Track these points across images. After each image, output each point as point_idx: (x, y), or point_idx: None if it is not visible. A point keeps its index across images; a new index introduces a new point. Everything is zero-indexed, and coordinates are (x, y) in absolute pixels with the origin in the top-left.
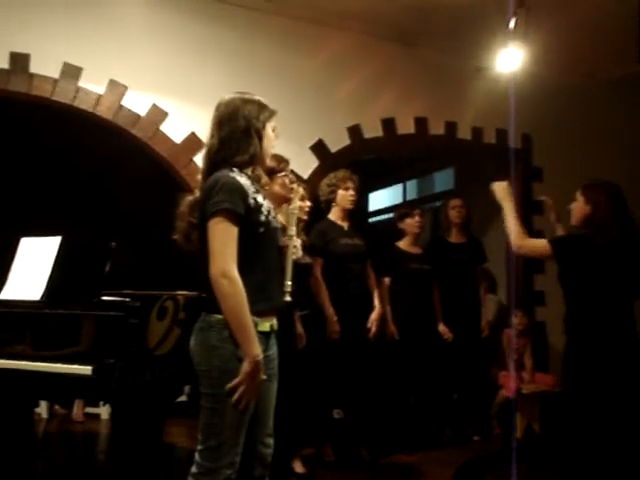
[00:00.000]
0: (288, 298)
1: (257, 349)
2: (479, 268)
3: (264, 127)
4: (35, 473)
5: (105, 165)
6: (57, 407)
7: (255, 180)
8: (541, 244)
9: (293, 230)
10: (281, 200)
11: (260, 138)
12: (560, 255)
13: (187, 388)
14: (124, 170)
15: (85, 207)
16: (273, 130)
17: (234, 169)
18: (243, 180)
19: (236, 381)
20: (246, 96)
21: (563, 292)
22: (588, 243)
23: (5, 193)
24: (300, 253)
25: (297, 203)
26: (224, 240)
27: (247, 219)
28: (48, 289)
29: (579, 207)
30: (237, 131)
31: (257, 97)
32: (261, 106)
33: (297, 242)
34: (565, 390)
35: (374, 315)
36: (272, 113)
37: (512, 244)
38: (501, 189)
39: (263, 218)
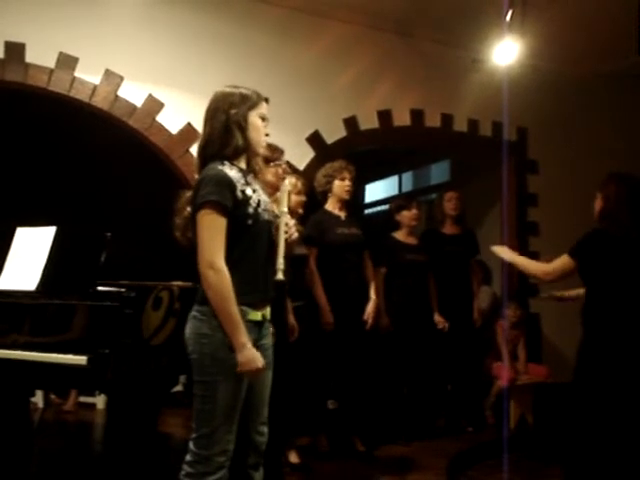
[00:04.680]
0: (280, 276)
1: (244, 338)
2: (473, 260)
3: (246, 118)
4: (31, 462)
5: (102, 155)
6: (53, 396)
7: (249, 172)
8: (564, 261)
9: (284, 208)
10: (274, 189)
11: (242, 129)
12: (582, 260)
13: (183, 378)
14: (120, 160)
15: (81, 197)
16: (263, 119)
17: (225, 162)
18: (232, 173)
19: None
20: (227, 89)
21: (584, 285)
22: (602, 236)
23: (1, 183)
24: (294, 231)
25: (287, 182)
26: (211, 232)
27: (235, 211)
28: (43, 279)
29: (596, 204)
30: (218, 126)
31: (241, 89)
32: (243, 97)
33: (290, 221)
34: (578, 382)
35: (370, 307)
36: (256, 102)
37: (540, 279)
38: (503, 251)
39: (251, 210)
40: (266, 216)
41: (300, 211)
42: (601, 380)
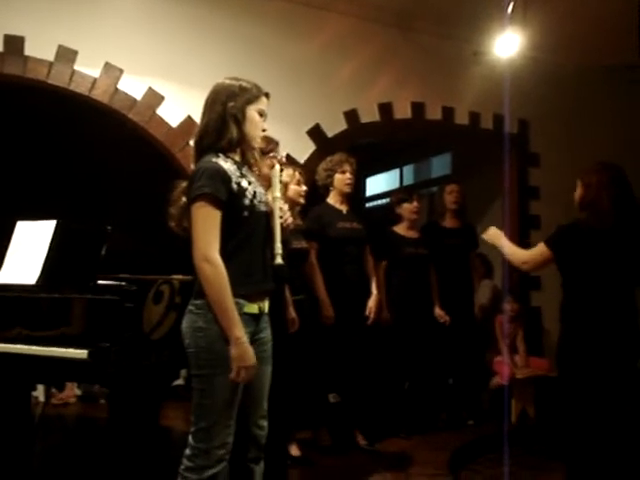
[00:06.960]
0: (279, 260)
1: (239, 332)
2: (475, 254)
3: (243, 111)
4: (33, 456)
5: (102, 148)
6: (54, 390)
7: (244, 164)
8: (539, 251)
9: (277, 193)
10: (270, 181)
11: (238, 123)
12: (558, 252)
13: (183, 372)
14: (120, 154)
15: (81, 191)
16: (261, 114)
17: (219, 154)
18: (227, 165)
19: (232, 375)
20: (227, 81)
21: (561, 279)
22: (581, 228)
23: (1, 177)
24: (289, 215)
25: (277, 167)
26: (206, 224)
27: (230, 203)
28: (44, 273)
29: (577, 193)
30: (214, 118)
31: (241, 81)
32: (242, 90)
33: (284, 205)
34: (559, 377)
35: (371, 302)
36: (256, 96)
37: (517, 267)
38: (493, 236)
39: (247, 202)
40: (262, 207)
41: (301, 201)
42: (581, 377)
